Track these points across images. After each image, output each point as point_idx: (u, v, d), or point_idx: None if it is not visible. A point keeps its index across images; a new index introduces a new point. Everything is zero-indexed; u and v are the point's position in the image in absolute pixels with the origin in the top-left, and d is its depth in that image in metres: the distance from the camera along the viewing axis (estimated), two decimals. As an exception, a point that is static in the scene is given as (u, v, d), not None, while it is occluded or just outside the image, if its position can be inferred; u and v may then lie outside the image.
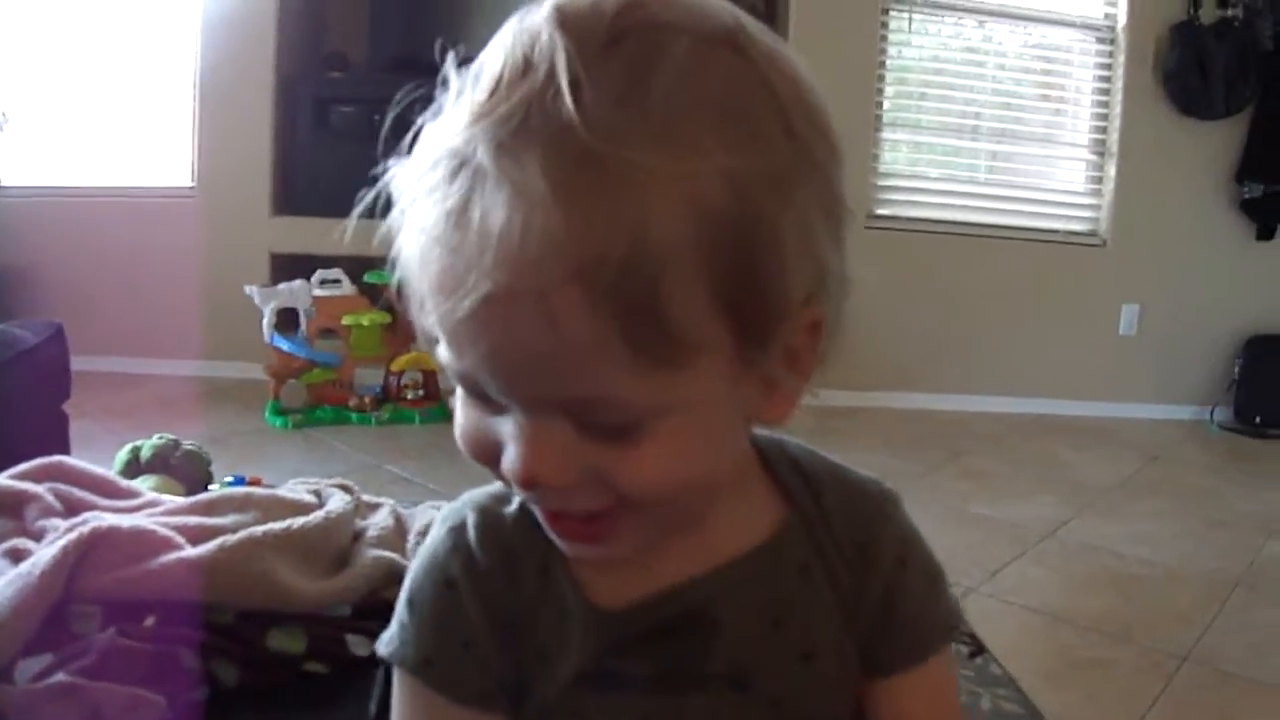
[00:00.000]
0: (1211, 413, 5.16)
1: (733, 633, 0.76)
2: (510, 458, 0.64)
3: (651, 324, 0.57)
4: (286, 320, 4.06)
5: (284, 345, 4.01)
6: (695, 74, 0.59)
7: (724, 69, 0.60)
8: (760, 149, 0.60)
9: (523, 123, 0.57)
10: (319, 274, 4.15)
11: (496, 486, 0.79)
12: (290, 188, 4.65)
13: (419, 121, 0.64)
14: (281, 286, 4.06)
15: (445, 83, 0.63)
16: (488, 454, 0.67)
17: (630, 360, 0.58)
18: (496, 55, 0.61)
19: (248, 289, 4.03)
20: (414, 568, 0.81)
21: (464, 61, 0.64)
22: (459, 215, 0.58)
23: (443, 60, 0.64)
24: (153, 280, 4.55)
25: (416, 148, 0.63)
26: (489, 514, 0.79)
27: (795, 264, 0.62)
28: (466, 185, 0.58)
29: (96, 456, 2.21)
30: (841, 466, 0.83)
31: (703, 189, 0.57)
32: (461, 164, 0.58)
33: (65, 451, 2.42)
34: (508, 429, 0.64)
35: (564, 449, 0.63)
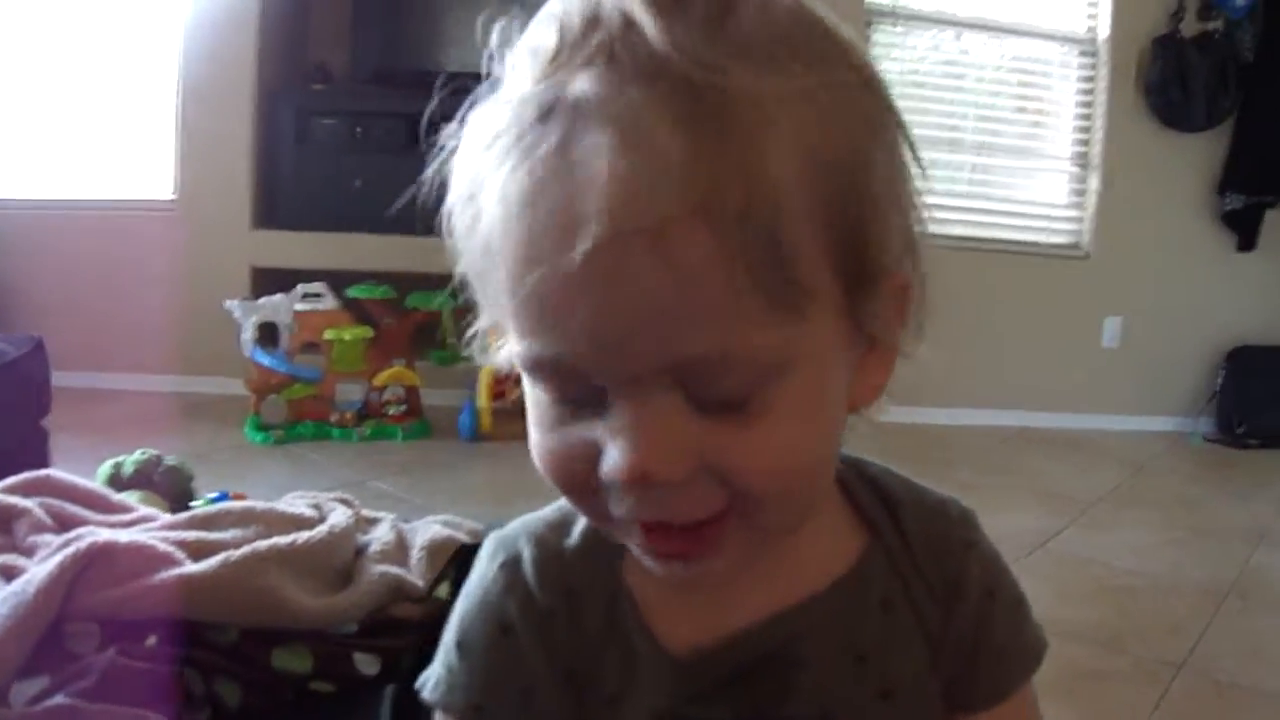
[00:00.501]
0: (1195, 424, 5.18)
1: (815, 673, 0.71)
2: (614, 456, 0.57)
3: (774, 261, 0.53)
4: (267, 335, 4.02)
5: (265, 360, 3.97)
6: (772, 12, 0.57)
7: (795, 13, 0.58)
8: (844, 85, 0.58)
9: (610, 60, 0.54)
10: (300, 288, 4.10)
11: (552, 514, 0.75)
12: (271, 201, 4.61)
13: (460, 114, 0.60)
14: (262, 301, 4.02)
15: (493, 58, 0.60)
16: (578, 470, 0.60)
17: (752, 305, 0.54)
18: (549, 24, 0.57)
19: (228, 303, 3.99)
20: (462, 607, 0.75)
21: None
22: (558, 159, 0.53)
23: (486, 38, 0.61)
24: (133, 294, 4.49)
25: (470, 130, 0.59)
26: (547, 546, 0.73)
27: (890, 207, 0.60)
28: (562, 126, 0.53)
29: (77, 472, 2.17)
30: (920, 486, 0.78)
31: (803, 115, 0.55)
32: (550, 108, 0.54)
33: (45, 467, 2.38)
34: (602, 431, 0.58)
35: (677, 434, 0.56)
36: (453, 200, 0.59)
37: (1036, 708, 0.81)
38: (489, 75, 0.60)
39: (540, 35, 0.58)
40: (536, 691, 0.71)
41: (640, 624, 0.71)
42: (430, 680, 0.75)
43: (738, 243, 0.52)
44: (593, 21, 0.55)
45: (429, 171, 0.62)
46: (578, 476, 0.60)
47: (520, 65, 0.58)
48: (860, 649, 0.72)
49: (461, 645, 0.74)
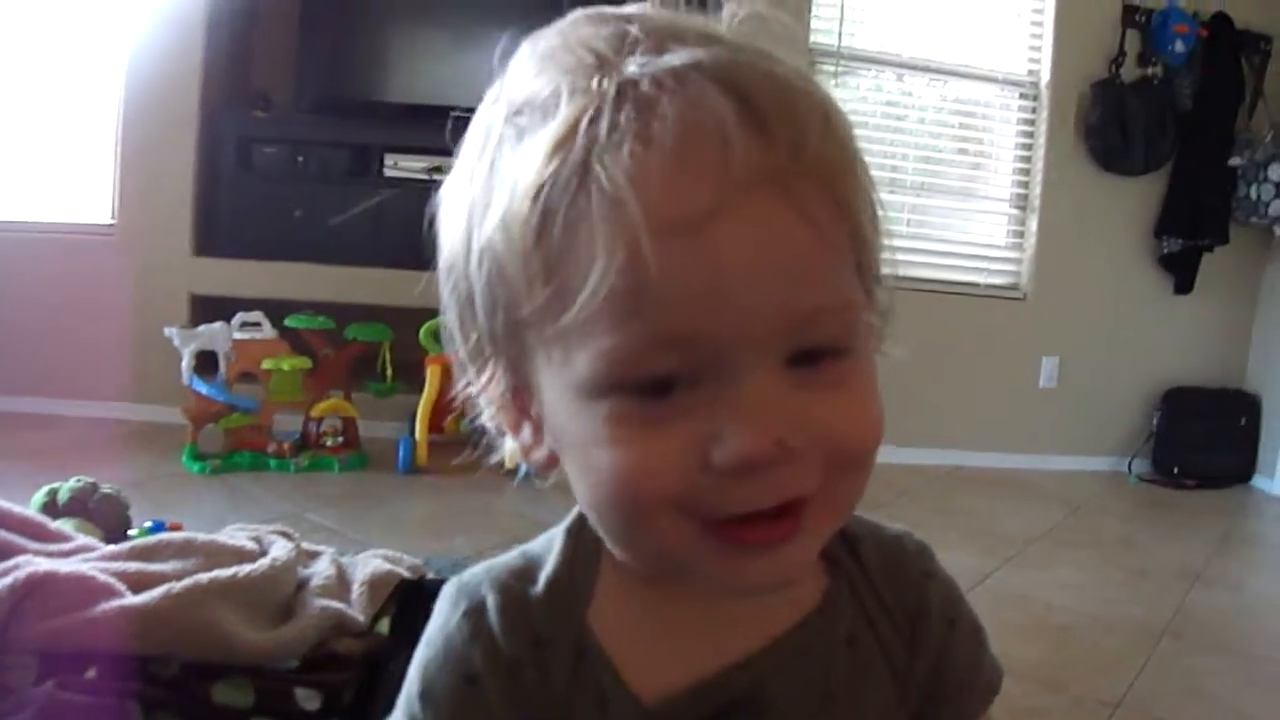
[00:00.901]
0: (1130, 464, 5.22)
1: (786, 715, 0.70)
2: (739, 433, 0.56)
3: (853, 219, 0.59)
4: (206, 363, 3.97)
5: (203, 389, 3.92)
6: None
7: None
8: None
9: (676, 44, 0.56)
10: (239, 317, 4.06)
11: (515, 561, 0.73)
12: (212, 228, 4.56)
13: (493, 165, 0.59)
14: (201, 329, 3.97)
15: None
16: (667, 477, 0.57)
17: (850, 261, 0.59)
18: (574, 49, 0.58)
19: (167, 330, 3.93)
20: (425, 655, 0.72)
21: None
22: (689, 124, 0.53)
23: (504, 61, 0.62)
24: (70, 319, 4.42)
25: (527, 144, 0.57)
26: (511, 594, 0.71)
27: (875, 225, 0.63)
28: (681, 95, 0.54)
29: (11, 499, 2.12)
30: (873, 521, 0.78)
31: (837, 109, 0.60)
32: (672, 80, 0.54)
33: (-22, 494, 2.34)
34: (706, 420, 0.56)
35: (793, 402, 0.57)
36: (514, 211, 0.57)
37: None
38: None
39: (572, 57, 0.58)
40: None
41: (611, 672, 0.69)
42: None
43: (844, 201, 0.57)
44: (621, 37, 0.57)
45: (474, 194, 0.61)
46: (664, 487, 0.58)
47: (560, 95, 0.57)
48: (828, 688, 0.72)
49: (425, 695, 0.71)
